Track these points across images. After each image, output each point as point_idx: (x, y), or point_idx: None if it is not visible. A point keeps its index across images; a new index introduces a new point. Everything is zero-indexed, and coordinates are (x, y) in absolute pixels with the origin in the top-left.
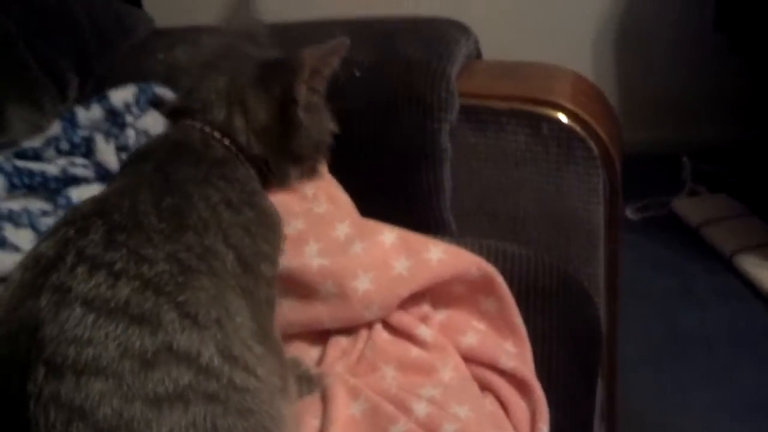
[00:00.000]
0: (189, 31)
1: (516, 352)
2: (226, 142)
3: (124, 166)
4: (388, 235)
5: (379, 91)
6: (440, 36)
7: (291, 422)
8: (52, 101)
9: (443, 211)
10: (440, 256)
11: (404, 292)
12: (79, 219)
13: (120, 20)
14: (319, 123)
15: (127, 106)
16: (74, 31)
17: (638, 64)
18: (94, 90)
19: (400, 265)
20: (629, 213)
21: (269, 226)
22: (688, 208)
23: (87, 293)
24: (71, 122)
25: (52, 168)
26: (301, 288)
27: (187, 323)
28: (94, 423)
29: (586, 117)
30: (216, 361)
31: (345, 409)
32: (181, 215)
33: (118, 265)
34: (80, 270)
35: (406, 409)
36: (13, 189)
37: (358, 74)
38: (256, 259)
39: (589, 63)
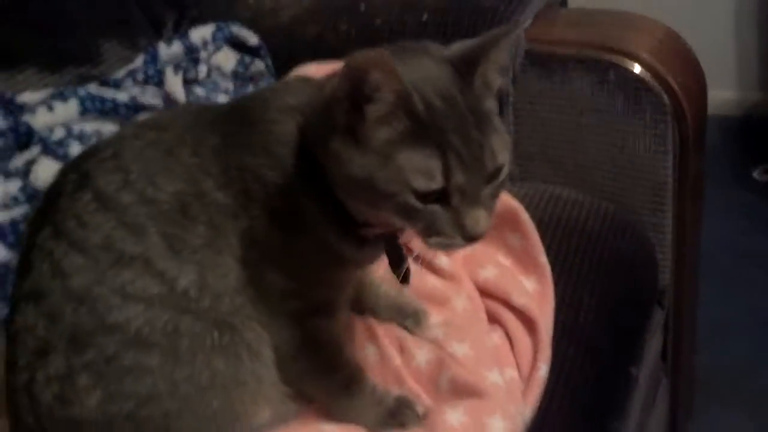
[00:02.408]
0: None
1: (536, 290)
2: (293, 121)
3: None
4: None
5: (443, 35)
6: None
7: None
8: (147, 40)
9: None
10: None
11: None
12: (149, 126)
13: None
14: (369, 164)
15: (204, 44)
16: None
17: None
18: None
19: None
20: (756, 174)
21: (303, 236)
22: None
23: (101, 186)
24: (153, 56)
25: (122, 95)
26: None
27: (169, 253)
28: (68, 285)
29: (660, 68)
30: (193, 292)
31: (360, 349)
32: (216, 160)
33: (133, 176)
34: (107, 165)
35: (409, 357)
36: (85, 112)
37: (425, 18)
38: (272, 254)
39: (731, 18)
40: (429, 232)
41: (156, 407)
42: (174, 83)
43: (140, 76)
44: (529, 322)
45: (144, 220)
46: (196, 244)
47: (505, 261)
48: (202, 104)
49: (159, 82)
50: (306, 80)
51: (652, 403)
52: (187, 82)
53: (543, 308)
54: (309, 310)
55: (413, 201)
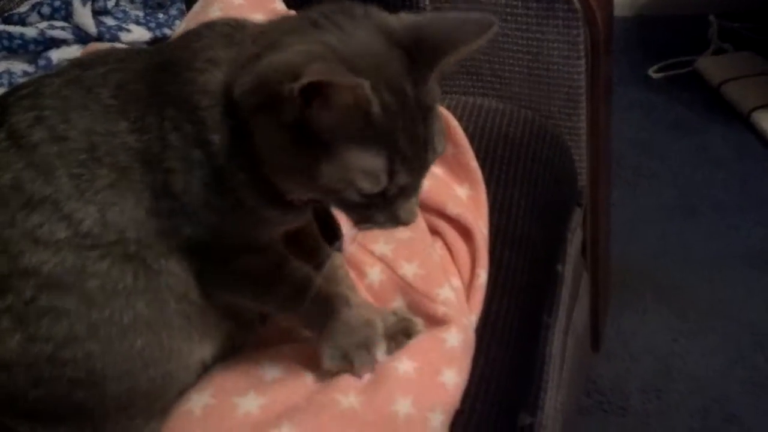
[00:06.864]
0: None
1: (469, 196)
2: (221, 73)
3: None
4: None
5: None
6: None
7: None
8: None
9: None
10: None
11: None
12: (75, 63)
13: None
14: (312, 154)
15: None
16: None
17: None
18: None
19: None
20: (652, 72)
21: (222, 196)
22: (712, 66)
23: (14, 123)
24: None
25: (31, 31)
26: None
27: (75, 194)
28: None
29: None
30: (96, 230)
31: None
32: (136, 105)
33: (46, 113)
34: (24, 102)
35: (361, 275)
36: None
37: None
38: (187, 208)
39: None
40: (363, 220)
41: (77, 348)
42: (83, 15)
43: (46, 10)
44: (465, 231)
45: (53, 160)
46: (99, 185)
47: (437, 170)
48: (134, 49)
49: (67, 14)
50: (237, 27)
51: (576, 296)
52: (97, 13)
53: (477, 214)
54: (232, 254)
55: (355, 197)
